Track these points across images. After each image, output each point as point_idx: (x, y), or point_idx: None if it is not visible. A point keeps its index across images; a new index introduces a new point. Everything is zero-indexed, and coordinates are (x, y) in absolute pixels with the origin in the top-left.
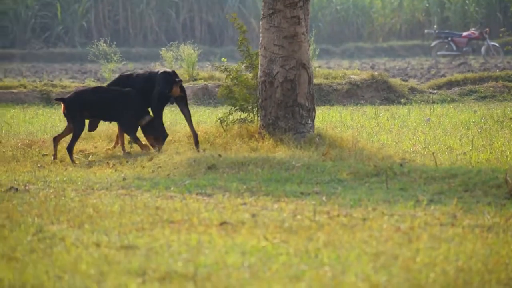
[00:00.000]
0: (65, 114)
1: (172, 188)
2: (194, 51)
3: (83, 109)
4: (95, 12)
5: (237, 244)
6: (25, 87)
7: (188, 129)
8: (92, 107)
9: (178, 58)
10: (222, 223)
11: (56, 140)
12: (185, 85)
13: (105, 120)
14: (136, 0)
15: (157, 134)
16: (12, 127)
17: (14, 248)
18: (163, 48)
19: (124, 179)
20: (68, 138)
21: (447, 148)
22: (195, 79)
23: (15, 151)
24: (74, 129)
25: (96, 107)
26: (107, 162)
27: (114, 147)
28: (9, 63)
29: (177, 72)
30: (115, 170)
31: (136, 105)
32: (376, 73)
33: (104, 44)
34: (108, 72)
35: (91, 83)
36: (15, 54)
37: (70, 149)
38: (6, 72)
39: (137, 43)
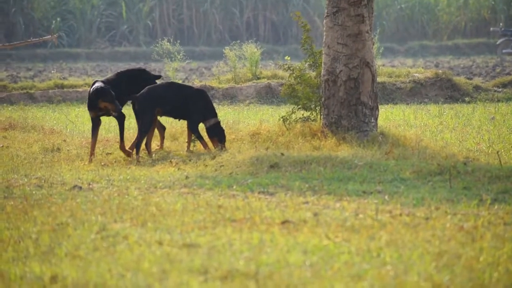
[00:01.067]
0: (136, 111)
1: (234, 187)
2: (257, 49)
3: (155, 106)
4: (159, 11)
5: (299, 243)
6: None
7: (251, 128)
8: (164, 104)
9: (241, 57)
10: (284, 222)
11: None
12: (248, 83)
13: (176, 117)
14: None
15: (221, 136)
16: (77, 126)
17: (78, 246)
18: (227, 47)
19: (186, 177)
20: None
21: (511, 146)
22: (258, 78)
23: (79, 150)
24: (143, 126)
25: (168, 104)
26: (170, 161)
27: (161, 147)
28: (75, 62)
29: (241, 71)
30: (178, 169)
31: (207, 104)
32: (440, 71)
33: (168, 43)
34: (172, 70)
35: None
36: (81, 53)
37: (137, 147)
38: (71, 71)
39: (201, 42)
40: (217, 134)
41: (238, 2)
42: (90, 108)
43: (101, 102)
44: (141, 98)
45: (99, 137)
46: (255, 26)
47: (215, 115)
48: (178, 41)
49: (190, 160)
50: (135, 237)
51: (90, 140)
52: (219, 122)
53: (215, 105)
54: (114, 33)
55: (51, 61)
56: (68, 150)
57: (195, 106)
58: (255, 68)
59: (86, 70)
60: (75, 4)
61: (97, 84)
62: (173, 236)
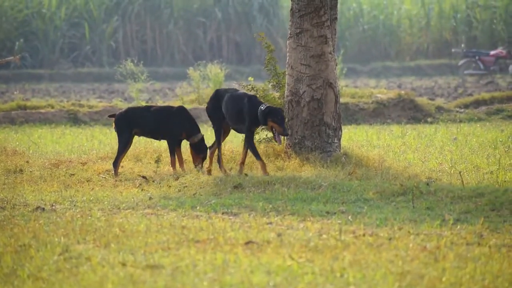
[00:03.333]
0: (115, 130)
1: (198, 208)
2: (221, 70)
3: (132, 126)
4: (123, 32)
5: (263, 263)
6: (52, 107)
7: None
8: (143, 125)
9: (205, 78)
10: (248, 243)
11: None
12: None
13: (156, 138)
14: (164, 20)
15: (205, 153)
16: (40, 147)
17: (41, 267)
18: (191, 68)
19: (150, 198)
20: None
21: (473, 167)
22: None
23: (42, 171)
24: (120, 145)
25: (148, 125)
26: (134, 182)
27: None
28: (38, 83)
29: (204, 91)
30: (142, 190)
31: (190, 120)
32: (402, 92)
33: (132, 64)
34: (135, 91)
35: (118, 103)
36: (44, 74)
37: (115, 164)
38: (34, 92)
39: (165, 63)
40: (202, 151)
41: (202, 23)
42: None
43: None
44: (118, 118)
45: (62, 157)
46: (219, 46)
47: (199, 130)
48: (142, 62)
49: (153, 181)
50: (98, 258)
51: (53, 161)
52: (203, 138)
53: None
54: (77, 54)
55: (13, 82)
56: (30, 171)
57: (178, 124)
58: None
59: (49, 91)
60: (38, 25)
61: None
62: (137, 257)
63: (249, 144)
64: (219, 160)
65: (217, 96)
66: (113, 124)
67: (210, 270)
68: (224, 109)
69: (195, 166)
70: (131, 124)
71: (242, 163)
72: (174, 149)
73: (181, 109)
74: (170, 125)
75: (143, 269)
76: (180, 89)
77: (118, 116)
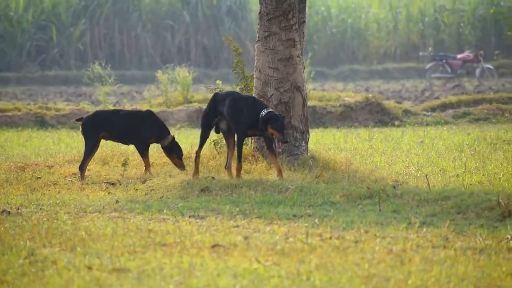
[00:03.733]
0: (82, 133)
1: (165, 211)
2: (189, 73)
3: (100, 130)
4: (90, 35)
5: (229, 266)
6: (19, 110)
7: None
8: (111, 129)
9: (173, 81)
10: (214, 246)
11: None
12: (180, 107)
13: (124, 142)
14: (132, 23)
15: (179, 152)
16: (6, 150)
17: (6, 271)
18: (159, 71)
19: (117, 201)
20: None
21: (440, 170)
22: (190, 102)
23: (8, 174)
24: (86, 149)
25: (116, 129)
26: (100, 185)
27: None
28: (4, 86)
29: (172, 94)
30: (108, 193)
31: (159, 123)
32: (370, 95)
33: (99, 67)
34: (102, 95)
35: (85, 106)
36: (10, 77)
37: (81, 167)
38: (1, 95)
39: (133, 66)
40: (176, 151)
41: (170, 26)
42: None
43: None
44: (86, 122)
45: (29, 161)
46: (187, 50)
47: (169, 132)
48: (109, 65)
49: (120, 184)
50: (64, 262)
51: (19, 164)
52: (174, 138)
53: None
54: (44, 57)
55: None
56: None
57: (147, 128)
58: (187, 92)
59: (16, 94)
60: (5, 27)
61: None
62: (103, 260)
63: (239, 146)
64: (228, 166)
65: (214, 100)
66: (80, 127)
67: (176, 274)
68: (226, 110)
69: (179, 168)
70: (98, 127)
71: (229, 167)
72: (144, 152)
73: (149, 113)
74: (139, 129)
75: (109, 273)
76: (148, 92)
77: (86, 119)
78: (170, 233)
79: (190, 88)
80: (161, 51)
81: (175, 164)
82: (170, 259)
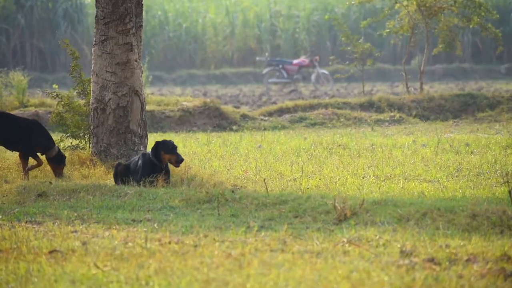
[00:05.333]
0: None
1: (0, 217)
2: (24, 77)
3: None
4: None
5: (67, 272)
6: None
7: (17, 156)
8: None
9: (8, 85)
10: (52, 251)
11: None
12: (15, 111)
13: (8, 148)
14: None
15: (64, 162)
16: None
17: None
18: None
19: None
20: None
21: (278, 174)
22: (26, 106)
23: None
24: None
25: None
26: None
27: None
28: None
29: (7, 99)
30: None
31: (45, 134)
32: (208, 100)
33: None
34: None
35: None
36: None
37: None
38: None
39: None
40: (62, 161)
41: (4, 30)
42: None
43: None
44: None
45: None
46: (22, 53)
47: (54, 143)
48: None
49: None
50: None
51: None
52: (59, 149)
53: None
54: None
55: None
56: None
57: (33, 137)
58: (22, 96)
59: None
60: None
61: None
62: None
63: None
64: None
65: None
66: None
67: (12, 280)
68: None
69: (57, 176)
70: None
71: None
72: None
73: (36, 123)
74: (25, 139)
75: None
76: None
77: None
78: (6, 239)
79: (26, 92)
80: None
81: (58, 174)
82: (6, 266)
